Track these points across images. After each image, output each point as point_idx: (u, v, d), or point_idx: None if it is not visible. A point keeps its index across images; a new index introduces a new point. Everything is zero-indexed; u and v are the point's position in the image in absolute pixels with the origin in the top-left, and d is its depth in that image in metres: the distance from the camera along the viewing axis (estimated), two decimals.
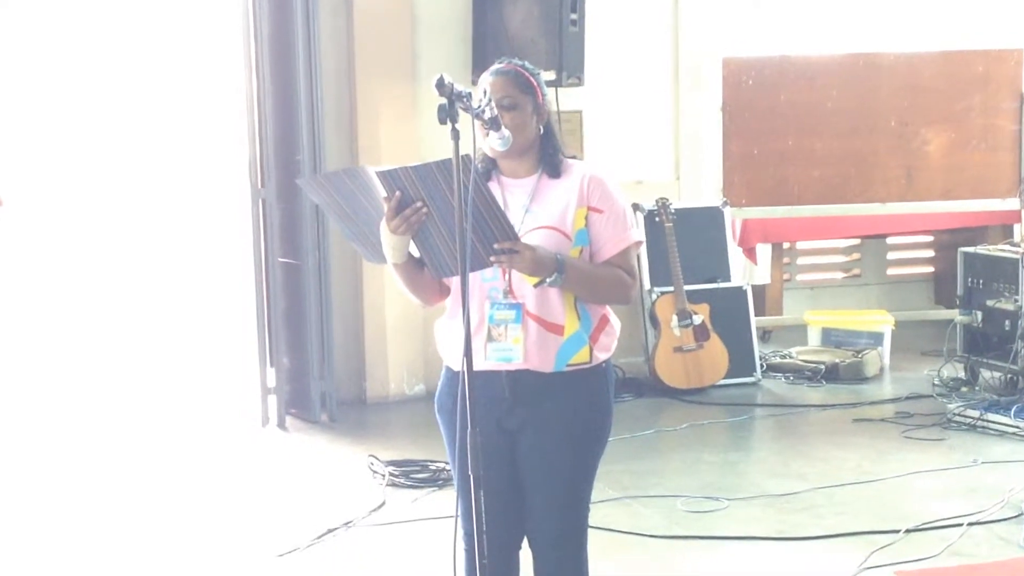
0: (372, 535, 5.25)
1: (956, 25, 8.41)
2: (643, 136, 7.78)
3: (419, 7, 7.26)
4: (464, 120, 3.06)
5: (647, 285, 7.50)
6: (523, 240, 3.15)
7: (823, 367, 7.67)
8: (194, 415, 7.15)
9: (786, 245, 8.61)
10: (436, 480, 5.73)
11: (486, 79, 3.31)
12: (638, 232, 3.39)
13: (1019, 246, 7.35)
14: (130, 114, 9.21)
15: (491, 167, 3.33)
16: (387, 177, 3.07)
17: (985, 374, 7.32)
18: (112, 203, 9.38)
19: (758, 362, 7.67)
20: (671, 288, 7.36)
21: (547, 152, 3.33)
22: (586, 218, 3.28)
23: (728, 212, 7.85)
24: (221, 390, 7.53)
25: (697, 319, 7.36)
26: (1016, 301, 7.02)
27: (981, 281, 7.30)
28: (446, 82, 2.98)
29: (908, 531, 5.10)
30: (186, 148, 9.21)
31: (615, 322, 3.40)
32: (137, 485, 5.96)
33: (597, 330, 3.33)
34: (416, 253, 3.22)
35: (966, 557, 4.89)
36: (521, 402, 3.29)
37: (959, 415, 6.72)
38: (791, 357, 7.90)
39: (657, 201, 7.46)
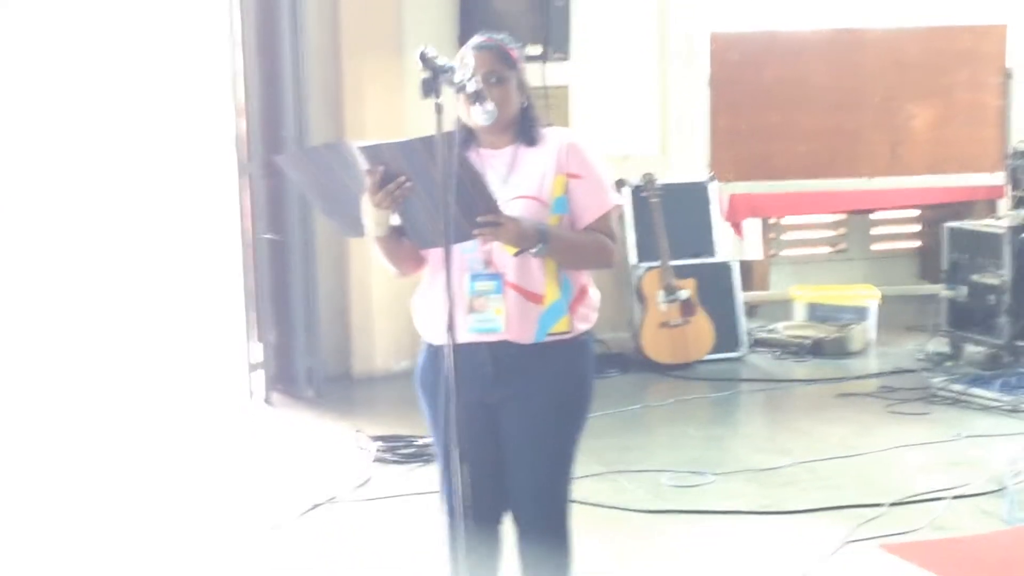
0: (358, 510, 5.25)
1: (941, 0, 8.39)
2: (629, 111, 7.77)
3: None
4: (447, 94, 3.06)
5: (633, 260, 7.51)
6: (502, 211, 3.15)
7: (808, 342, 7.69)
8: (180, 392, 7.13)
9: (772, 220, 8.60)
10: (422, 456, 5.70)
11: (468, 53, 3.30)
12: (617, 196, 3.40)
13: (1003, 220, 7.37)
14: (112, 90, 9.15)
15: (469, 138, 3.32)
16: (370, 152, 3.07)
17: (969, 348, 7.36)
18: (95, 179, 9.33)
19: (744, 337, 7.68)
20: (657, 263, 7.36)
21: (526, 126, 3.33)
22: (565, 185, 3.28)
23: (714, 187, 7.85)
24: (207, 366, 7.50)
25: (683, 294, 7.36)
26: (1001, 275, 7.05)
27: (966, 256, 7.33)
28: (429, 55, 2.98)
29: (892, 505, 5.12)
30: (170, 124, 9.16)
31: (594, 293, 3.40)
32: (124, 462, 5.95)
33: (576, 300, 3.33)
34: (397, 223, 3.22)
35: (950, 531, 4.91)
36: (503, 375, 3.29)
37: (943, 389, 6.76)
38: (777, 332, 7.91)
39: (643, 176, 7.45)
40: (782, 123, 8.04)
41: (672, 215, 7.43)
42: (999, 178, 7.91)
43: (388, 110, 6.90)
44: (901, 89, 8.14)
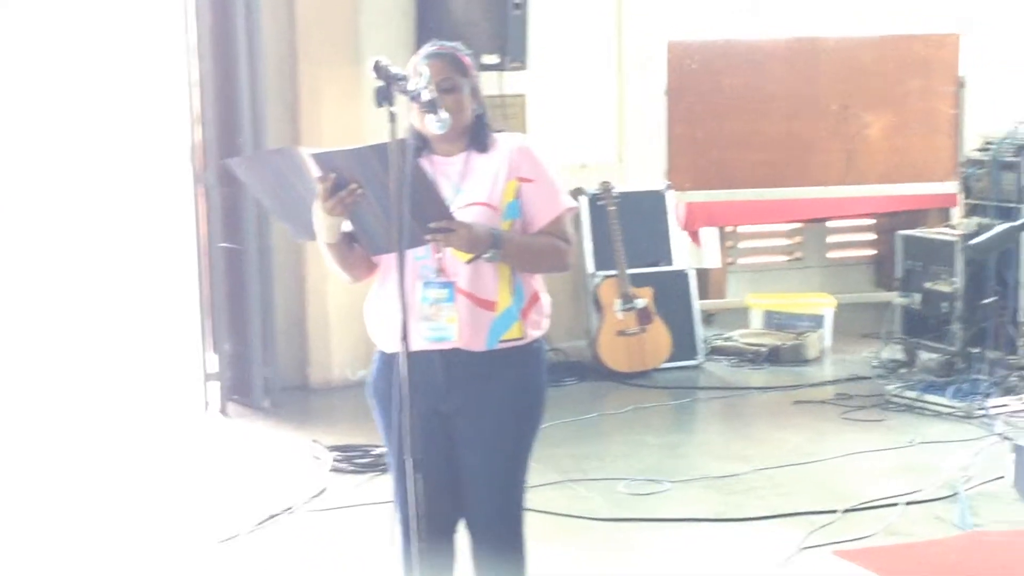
0: (314, 521, 5.23)
1: (896, 10, 8.47)
2: (586, 119, 7.77)
3: None
4: (401, 102, 3.07)
5: (590, 269, 7.52)
6: (455, 217, 3.16)
7: (765, 350, 7.71)
8: (135, 401, 7.06)
9: (728, 229, 8.64)
10: (379, 465, 5.66)
11: (421, 62, 3.30)
12: (571, 199, 3.41)
13: (956, 229, 7.43)
14: (68, 99, 9.09)
15: (423, 145, 3.33)
16: (322, 159, 3.08)
17: (923, 355, 7.38)
18: (51, 188, 9.27)
19: (701, 345, 7.69)
20: (614, 272, 7.37)
21: (479, 132, 3.34)
22: (517, 190, 3.29)
23: (671, 196, 7.86)
24: (162, 376, 7.44)
25: (640, 303, 7.38)
26: (953, 283, 7.08)
27: (920, 264, 7.36)
28: (383, 65, 3.00)
29: (846, 511, 5.15)
30: (126, 133, 9.11)
31: (546, 299, 3.42)
32: (77, 471, 5.90)
33: (528, 306, 3.34)
34: (348, 229, 3.23)
35: (903, 536, 4.94)
36: (456, 383, 3.29)
37: (897, 396, 6.77)
38: (733, 340, 7.92)
39: (600, 185, 7.46)
40: (739, 132, 8.07)
41: (629, 224, 7.43)
42: (952, 187, 7.97)
43: (345, 119, 6.88)
44: (856, 98, 8.19)
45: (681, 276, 7.68)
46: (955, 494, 5.30)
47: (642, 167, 7.91)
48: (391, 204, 2.98)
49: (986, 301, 6.89)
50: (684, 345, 7.55)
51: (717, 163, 8.06)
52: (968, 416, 6.43)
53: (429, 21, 6.92)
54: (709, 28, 8.24)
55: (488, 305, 3.27)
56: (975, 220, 7.10)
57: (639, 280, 7.43)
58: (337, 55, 7.03)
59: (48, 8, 8.60)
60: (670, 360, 7.46)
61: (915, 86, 8.20)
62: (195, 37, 6.76)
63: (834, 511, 5.14)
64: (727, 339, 7.95)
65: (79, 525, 5.20)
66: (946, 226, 7.76)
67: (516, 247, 3.26)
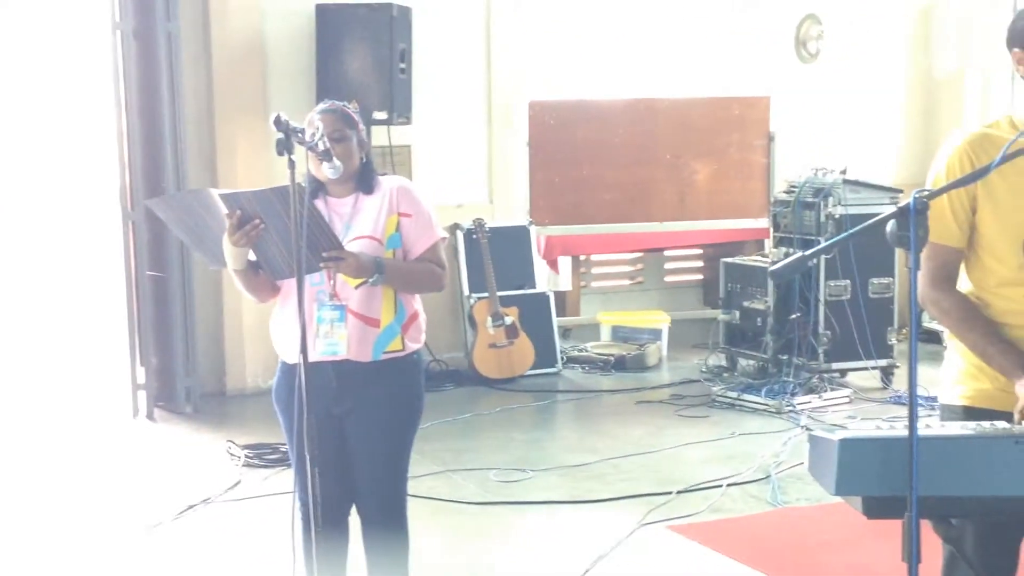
0: (229, 509, 5.15)
1: (717, 77, 8.62)
2: (462, 166, 7.78)
3: (269, 55, 7.16)
4: (299, 152, 3.06)
5: (466, 291, 7.53)
6: (346, 249, 3.16)
7: (612, 358, 7.77)
8: (72, 409, 6.90)
9: (582, 257, 8.71)
10: (285, 460, 5.58)
11: (315, 117, 3.30)
12: (442, 230, 3.42)
13: (768, 257, 7.58)
14: (13, 150, 8.91)
15: (319, 188, 3.32)
16: (229, 199, 3.07)
17: (742, 362, 7.53)
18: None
19: (559, 355, 7.72)
20: (486, 294, 7.39)
21: (365, 176, 3.34)
22: (397, 223, 3.30)
23: (533, 230, 7.91)
24: (97, 386, 7.28)
25: (508, 320, 7.40)
26: (766, 302, 7.23)
27: (738, 286, 7.51)
28: (282, 120, 2.98)
29: (679, 492, 5.21)
30: (64, 177, 8.94)
31: (423, 317, 3.43)
32: (16, 469, 5.75)
33: (408, 323, 3.35)
34: (253, 258, 3.21)
35: (725, 512, 5.02)
36: (346, 389, 3.28)
37: (721, 396, 6.87)
38: (586, 351, 7.97)
39: (474, 221, 7.48)
40: (589, 176, 8.13)
41: (498, 254, 7.46)
42: (764, 222, 8.13)
43: (255, 166, 6.81)
44: (686, 149, 8.29)
45: (542, 297, 7.72)
46: (767, 477, 5.41)
47: (509, 206, 7.95)
48: (290, 237, 2.98)
49: (792, 316, 7.02)
50: (545, 355, 7.58)
51: (571, 203, 8.11)
52: (778, 412, 6.55)
53: (327, 82, 6.88)
54: (564, 90, 8.30)
55: (373, 322, 3.27)
56: (783, 250, 7.24)
57: (507, 301, 7.46)
58: (248, 110, 6.96)
59: None
60: (533, 368, 7.49)
61: (733, 139, 8.34)
62: (124, 93, 6.65)
63: (668, 493, 5.20)
64: (581, 350, 8.01)
65: (16, 516, 5.07)
66: (759, 255, 7.91)
67: (397, 272, 3.27)
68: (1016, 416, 2.53)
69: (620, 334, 8.15)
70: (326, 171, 3.21)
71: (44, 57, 8.29)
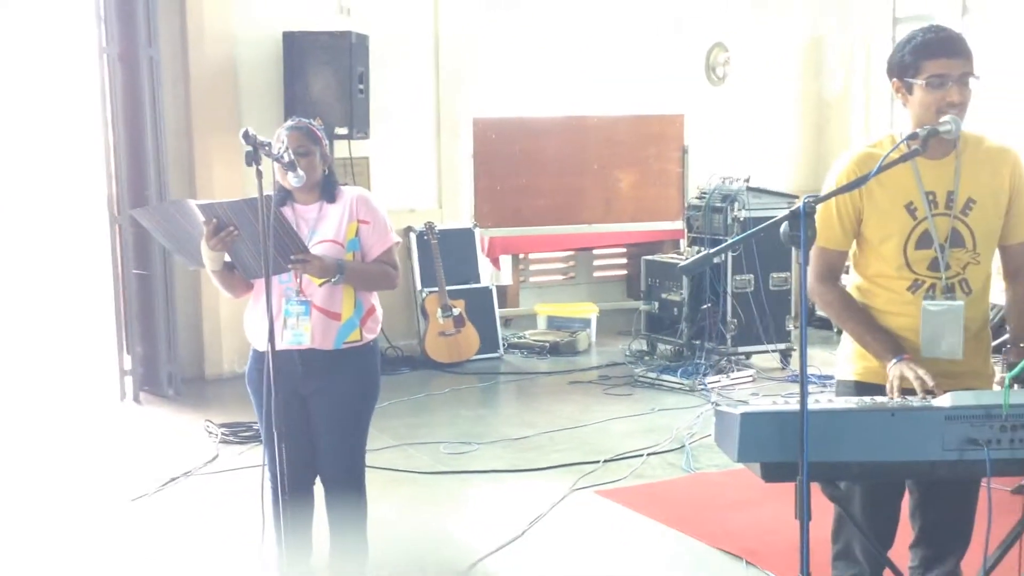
0: (207, 481, 5.11)
1: (638, 98, 8.65)
2: (414, 175, 7.76)
3: (241, 77, 7.09)
4: (267, 163, 3.03)
5: (418, 286, 7.51)
6: (312, 251, 3.14)
7: (548, 344, 7.80)
8: (65, 392, 6.79)
9: (521, 256, 8.71)
10: (258, 437, 5.43)
11: (282, 133, 3.27)
12: (396, 235, 3.41)
13: (682, 255, 7.64)
14: (15, 164, 8.76)
15: (287, 197, 3.30)
16: (206, 209, 3.05)
17: (660, 347, 7.57)
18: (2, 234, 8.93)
19: (501, 342, 7.74)
20: (436, 288, 7.38)
21: (328, 186, 3.32)
22: (356, 229, 3.28)
23: (477, 232, 7.91)
24: (88, 372, 7.16)
25: (456, 311, 7.40)
26: (681, 294, 7.28)
27: (657, 280, 7.56)
28: (250, 134, 2.95)
29: (605, 461, 5.24)
30: (59, 187, 8.79)
31: (380, 311, 3.41)
32: (14, 447, 5.66)
33: (366, 316, 3.34)
34: (228, 260, 3.18)
35: (646, 478, 5.06)
36: (310, 373, 3.27)
37: (642, 376, 6.92)
38: (525, 338, 7.99)
39: (425, 224, 7.47)
40: (527, 184, 8.15)
41: (447, 253, 7.45)
42: (679, 224, 8.19)
43: (230, 176, 6.72)
44: (611, 160, 8.33)
45: (485, 291, 7.72)
46: (682, 447, 5.46)
47: (456, 211, 7.94)
48: (260, 242, 2.96)
49: (704, 306, 7.08)
50: (488, 342, 7.59)
51: (511, 208, 8.13)
52: (692, 390, 6.61)
53: (294, 101, 6.83)
54: (504, 108, 8.28)
55: (335, 316, 3.26)
56: (695, 248, 7.31)
57: (454, 294, 7.46)
58: (222, 127, 6.88)
59: None
60: (479, 353, 7.50)
61: (652, 152, 8.40)
62: (110, 111, 6.55)
63: (596, 462, 5.23)
64: (520, 337, 8.02)
65: (13, 489, 4.99)
66: (675, 253, 7.97)
67: (356, 273, 3.26)
68: (888, 392, 2.58)
69: (554, 323, 8.17)
70: (291, 180, 3.19)
71: (38, 77, 8.12)
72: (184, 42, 6.91)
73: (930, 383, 2.50)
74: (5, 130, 8.43)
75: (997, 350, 2.95)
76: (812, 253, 2.72)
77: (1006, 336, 2.79)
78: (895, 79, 2.68)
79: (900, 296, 2.71)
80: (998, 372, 2.83)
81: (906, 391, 2.54)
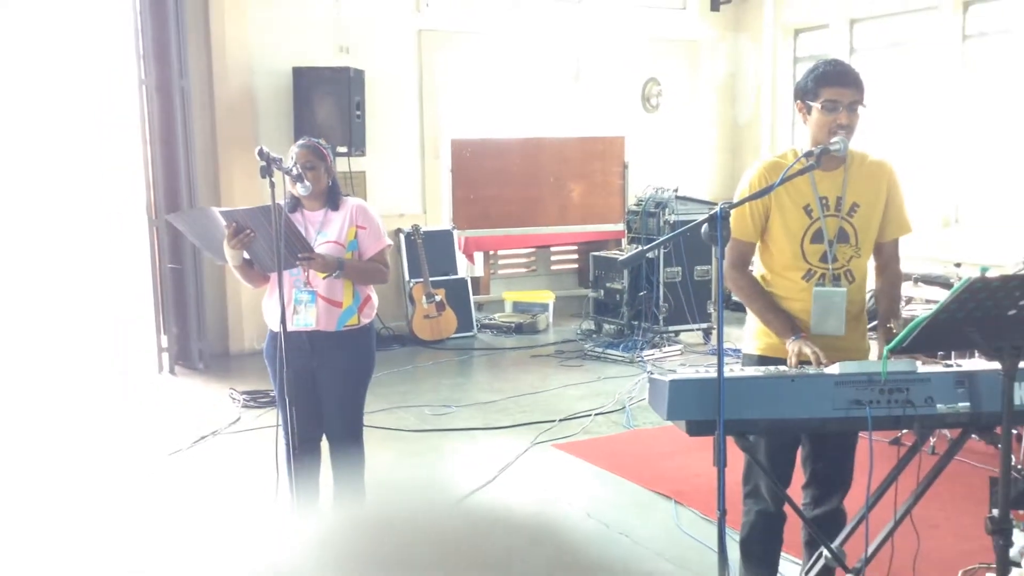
0: (231, 439, 5.08)
1: (586, 123, 8.67)
2: (403, 187, 7.73)
3: (258, 104, 7.02)
4: (279, 176, 3.01)
5: (407, 277, 7.48)
6: (317, 250, 3.12)
7: (514, 324, 7.80)
8: (112, 366, 6.73)
9: (491, 252, 8.71)
10: (274, 402, 5.50)
11: (294, 149, 3.24)
12: (388, 239, 3.39)
13: (623, 251, 7.66)
14: (66, 174, 8.62)
15: (297, 204, 3.27)
16: (227, 215, 3.02)
17: (606, 326, 7.59)
18: (58, 236, 8.77)
19: (475, 323, 7.72)
20: (421, 279, 7.36)
21: (332, 195, 3.29)
22: (355, 233, 3.26)
23: (455, 233, 7.89)
24: (131, 350, 7.09)
25: (437, 298, 7.38)
26: (622, 283, 7.31)
27: (603, 272, 7.58)
28: (264, 152, 2.93)
29: (560, 420, 5.26)
30: (108, 195, 8.69)
31: (375, 300, 3.39)
32: (68, 410, 5.59)
33: (363, 304, 3.32)
34: (247, 257, 3.15)
35: (594, 434, 5.08)
36: (317, 351, 3.25)
37: (591, 351, 6.94)
38: (494, 319, 7.99)
39: (412, 226, 7.44)
40: (495, 194, 8.13)
41: (430, 250, 7.43)
42: (621, 226, 8.21)
43: (250, 187, 6.65)
44: (564, 174, 8.33)
45: (462, 281, 7.71)
46: (623, 408, 5.49)
47: (437, 215, 7.92)
48: (273, 242, 2.93)
49: (641, 293, 7.12)
50: (465, 323, 7.57)
51: (483, 213, 8.11)
52: (631, 361, 6.64)
53: (302, 124, 6.78)
54: (476, 131, 8.26)
55: (337, 304, 3.24)
56: (634, 246, 7.36)
57: (436, 284, 7.44)
58: (242, 145, 6.81)
59: (37, 108, 8.05)
60: (456, 332, 7.48)
61: (598, 167, 8.40)
62: (148, 132, 6.47)
63: (553, 421, 5.25)
64: (491, 319, 8.02)
65: (66, 446, 4.93)
66: (617, 250, 8.00)
67: (354, 269, 3.23)
68: (789, 363, 2.60)
69: (519, 307, 8.17)
70: (299, 190, 3.17)
71: (87, 105, 8.02)
72: (210, 75, 6.83)
73: (823, 358, 2.52)
74: (57, 149, 8.30)
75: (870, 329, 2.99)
76: (728, 245, 2.73)
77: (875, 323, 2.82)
78: (799, 101, 2.70)
79: (796, 284, 2.73)
80: (873, 348, 2.86)
81: (803, 363, 2.57)
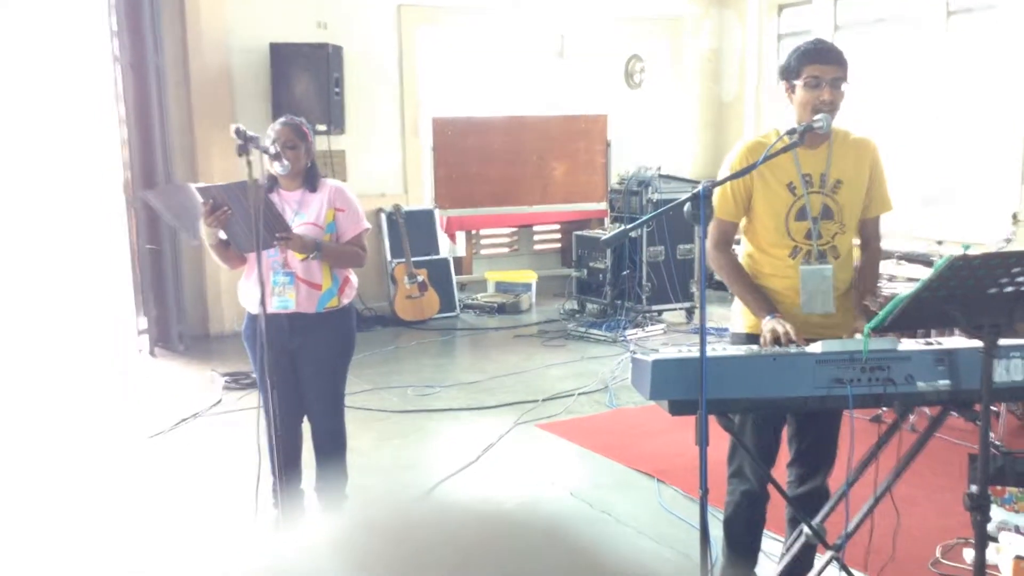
0: (213, 421, 5.06)
1: (569, 100, 8.64)
2: (384, 166, 7.67)
3: (235, 81, 6.94)
4: (256, 154, 2.97)
5: (388, 258, 7.45)
6: (294, 231, 3.09)
7: (496, 304, 7.80)
8: (92, 348, 6.67)
9: (473, 232, 8.69)
10: (255, 384, 5.46)
11: (275, 127, 3.21)
12: (367, 223, 3.37)
13: (606, 231, 7.66)
14: (44, 160, 8.50)
15: (274, 184, 3.24)
16: (203, 191, 2.99)
17: (589, 306, 7.62)
18: (33, 221, 8.67)
19: (457, 303, 7.71)
20: (403, 259, 7.33)
21: (310, 176, 3.26)
22: (333, 215, 3.24)
23: (437, 212, 7.86)
24: (111, 332, 7.04)
25: (419, 278, 7.36)
26: (605, 263, 7.33)
27: (586, 251, 7.59)
28: (240, 130, 2.89)
29: (543, 400, 5.28)
30: (82, 174, 8.56)
31: (354, 281, 3.38)
32: (48, 394, 5.55)
33: (343, 286, 3.30)
34: (224, 236, 3.12)
35: (577, 413, 5.10)
36: (296, 332, 3.23)
37: (574, 330, 6.95)
38: (477, 299, 7.98)
39: (393, 206, 7.41)
40: (477, 173, 8.10)
41: (412, 229, 7.41)
42: (604, 205, 8.21)
43: (227, 165, 6.58)
44: (547, 152, 8.31)
45: (444, 261, 7.69)
46: (606, 387, 5.51)
47: (419, 195, 7.88)
48: (250, 220, 2.90)
49: (624, 273, 7.15)
50: (447, 303, 7.57)
51: (465, 192, 8.08)
52: (614, 341, 6.66)
53: (280, 102, 6.71)
54: (458, 109, 8.22)
55: (316, 286, 3.22)
56: (616, 225, 7.37)
57: (418, 264, 7.42)
58: (219, 122, 6.74)
59: (19, 94, 7.92)
60: (439, 313, 7.48)
61: (581, 146, 8.39)
62: (123, 110, 6.39)
63: (536, 400, 5.26)
64: (473, 299, 8.01)
65: (45, 426, 4.89)
66: (600, 229, 7.99)
67: (331, 252, 3.21)
68: (762, 342, 2.61)
69: (501, 287, 8.17)
70: (277, 169, 3.14)
71: (60, 84, 7.88)
72: (185, 52, 6.74)
73: (793, 336, 2.53)
74: (30, 129, 8.17)
75: None
76: (711, 224, 2.73)
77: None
78: (783, 80, 2.70)
79: (783, 262, 2.74)
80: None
81: (775, 341, 2.58)
